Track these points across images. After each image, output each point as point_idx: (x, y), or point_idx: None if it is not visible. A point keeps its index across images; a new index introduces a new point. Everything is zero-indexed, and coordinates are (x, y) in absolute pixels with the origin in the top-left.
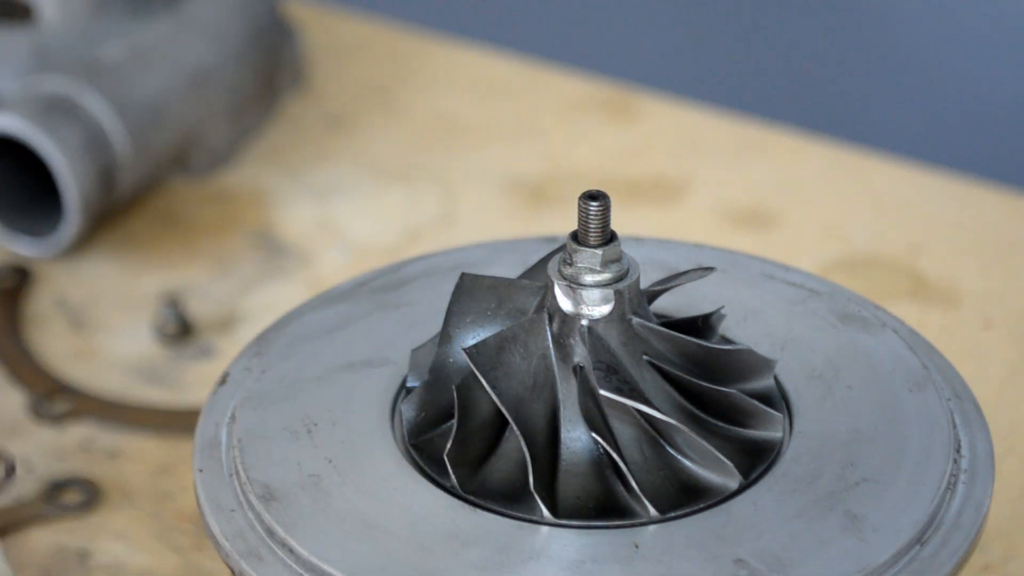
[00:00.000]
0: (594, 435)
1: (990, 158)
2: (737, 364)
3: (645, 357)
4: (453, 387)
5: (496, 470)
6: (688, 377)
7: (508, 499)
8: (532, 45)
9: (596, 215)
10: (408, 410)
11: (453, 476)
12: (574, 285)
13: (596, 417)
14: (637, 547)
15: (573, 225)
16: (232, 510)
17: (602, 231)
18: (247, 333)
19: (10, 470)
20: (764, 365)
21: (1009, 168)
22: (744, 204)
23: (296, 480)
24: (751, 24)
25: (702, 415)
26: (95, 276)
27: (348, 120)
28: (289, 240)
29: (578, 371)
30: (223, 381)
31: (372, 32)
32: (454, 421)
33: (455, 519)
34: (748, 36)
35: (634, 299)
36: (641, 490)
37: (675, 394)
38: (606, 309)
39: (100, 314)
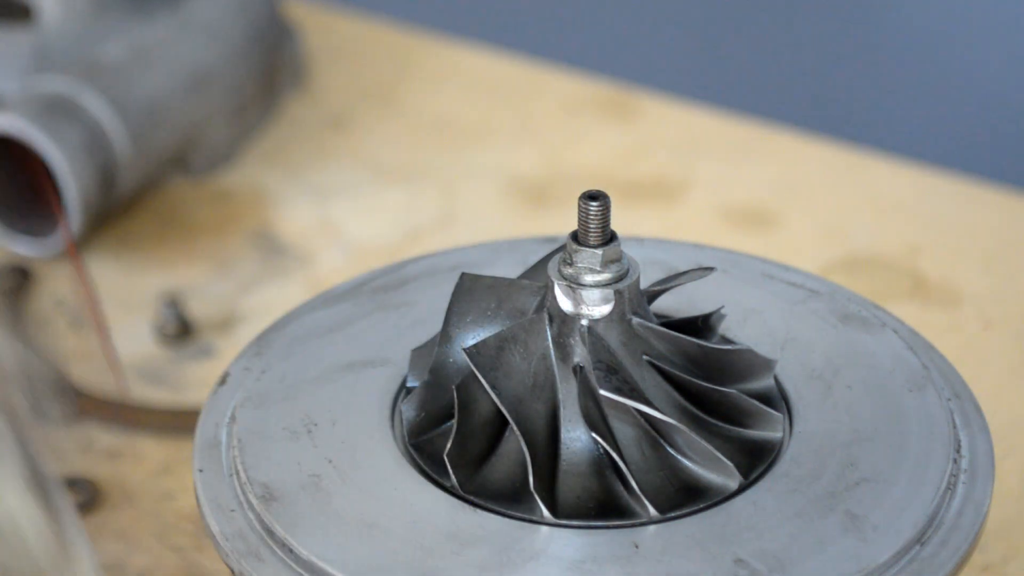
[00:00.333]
0: (594, 435)
1: (990, 158)
2: (737, 364)
3: (645, 357)
4: (453, 387)
5: (496, 470)
6: (688, 377)
7: (508, 499)
8: (532, 45)
9: (596, 215)
10: (408, 410)
11: (453, 476)
12: (574, 285)
13: (596, 417)
14: (637, 547)
15: (573, 225)
16: (232, 510)
17: (602, 231)
18: (247, 333)
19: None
20: (764, 365)
21: (1009, 168)
22: (744, 204)
23: (296, 480)
24: (751, 24)
25: (702, 415)
26: (95, 276)
27: (348, 120)
28: (289, 240)
29: (578, 371)
30: (223, 381)
31: (372, 32)
32: (454, 421)
33: (455, 519)
34: (748, 36)
35: (634, 299)
36: (641, 490)
37: (675, 394)
38: (606, 309)
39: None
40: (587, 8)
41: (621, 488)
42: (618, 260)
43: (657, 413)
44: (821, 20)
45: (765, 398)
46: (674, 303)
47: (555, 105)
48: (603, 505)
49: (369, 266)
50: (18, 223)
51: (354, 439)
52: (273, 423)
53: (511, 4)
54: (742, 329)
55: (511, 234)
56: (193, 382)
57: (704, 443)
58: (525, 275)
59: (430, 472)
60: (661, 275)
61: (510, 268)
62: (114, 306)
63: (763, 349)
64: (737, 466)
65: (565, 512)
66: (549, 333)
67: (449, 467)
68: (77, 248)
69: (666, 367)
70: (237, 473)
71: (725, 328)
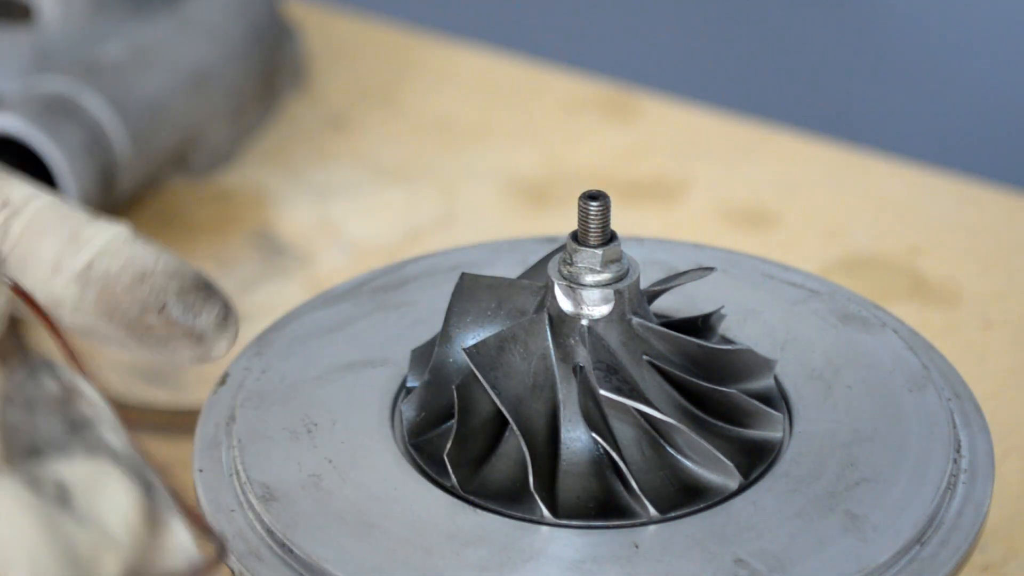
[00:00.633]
0: (594, 435)
1: (990, 158)
2: (737, 364)
3: (645, 357)
4: (453, 387)
5: (496, 470)
6: (688, 377)
7: (508, 499)
8: (532, 45)
9: (596, 215)
10: (408, 410)
11: (453, 476)
12: (574, 285)
13: (596, 417)
14: (637, 547)
15: (573, 225)
16: (232, 510)
17: (602, 231)
18: (247, 333)
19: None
20: (764, 365)
21: (1009, 168)
22: (744, 204)
23: (296, 480)
24: (751, 24)
25: (702, 415)
26: None
27: (348, 120)
28: (289, 240)
29: (578, 371)
30: (223, 381)
31: (372, 32)
32: (454, 421)
33: (455, 519)
34: (748, 36)
35: (634, 299)
36: (641, 490)
37: (675, 394)
38: (606, 309)
39: None
40: (587, 8)
41: (621, 488)
42: (618, 260)
43: (657, 413)
44: (821, 20)
45: (765, 398)
46: (674, 303)
47: (555, 105)
48: (603, 505)
49: (369, 266)
50: None
51: (354, 439)
52: (273, 423)
53: (511, 4)
54: (742, 329)
55: (511, 234)
56: (193, 382)
57: (704, 443)
58: (525, 275)
59: (430, 472)
60: (661, 275)
61: (510, 268)
62: None
63: (763, 349)
64: (737, 466)
65: (565, 512)
66: (549, 333)
67: (449, 467)
68: None
69: (666, 367)
70: (237, 473)
71: (725, 328)
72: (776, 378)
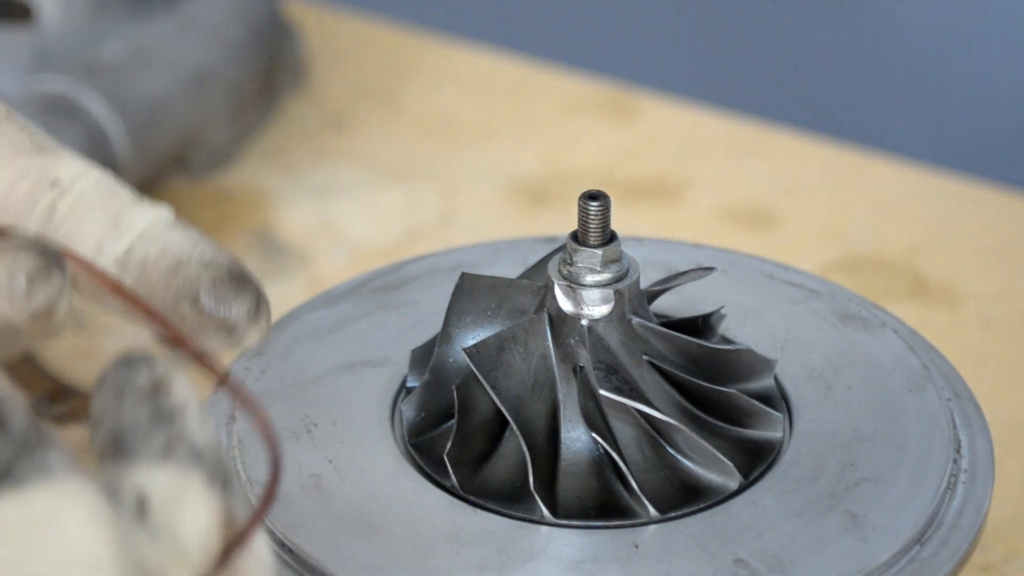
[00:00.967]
0: (594, 435)
1: (990, 158)
2: (737, 364)
3: (645, 357)
4: (453, 387)
5: (496, 470)
6: (688, 377)
7: (508, 499)
8: (532, 45)
9: (596, 215)
10: (408, 410)
11: (453, 476)
12: (574, 285)
13: (596, 417)
14: (637, 547)
15: (573, 225)
16: None
17: (602, 231)
18: None
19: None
20: (764, 365)
21: (1009, 168)
22: (744, 204)
23: (296, 480)
24: (751, 24)
25: (702, 415)
26: None
27: (348, 120)
28: (289, 240)
29: (578, 371)
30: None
31: (372, 32)
32: (454, 421)
33: (455, 519)
34: (748, 36)
35: (634, 299)
36: (641, 490)
37: (675, 394)
38: (606, 309)
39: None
40: (587, 8)
41: (621, 488)
42: (618, 260)
43: (657, 413)
44: (821, 20)
45: (765, 398)
46: (674, 303)
47: (555, 105)
48: (603, 505)
49: (369, 266)
50: None
51: (354, 439)
52: (273, 423)
53: (511, 4)
54: (742, 329)
55: (511, 234)
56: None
57: (704, 443)
58: (525, 275)
59: (430, 472)
60: (661, 275)
61: (510, 268)
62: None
63: (763, 349)
64: (737, 466)
65: (565, 512)
66: (549, 333)
67: (449, 467)
68: None
69: (666, 367)
70: (237, 473)
71: (725, 328)
72: (776, 378)
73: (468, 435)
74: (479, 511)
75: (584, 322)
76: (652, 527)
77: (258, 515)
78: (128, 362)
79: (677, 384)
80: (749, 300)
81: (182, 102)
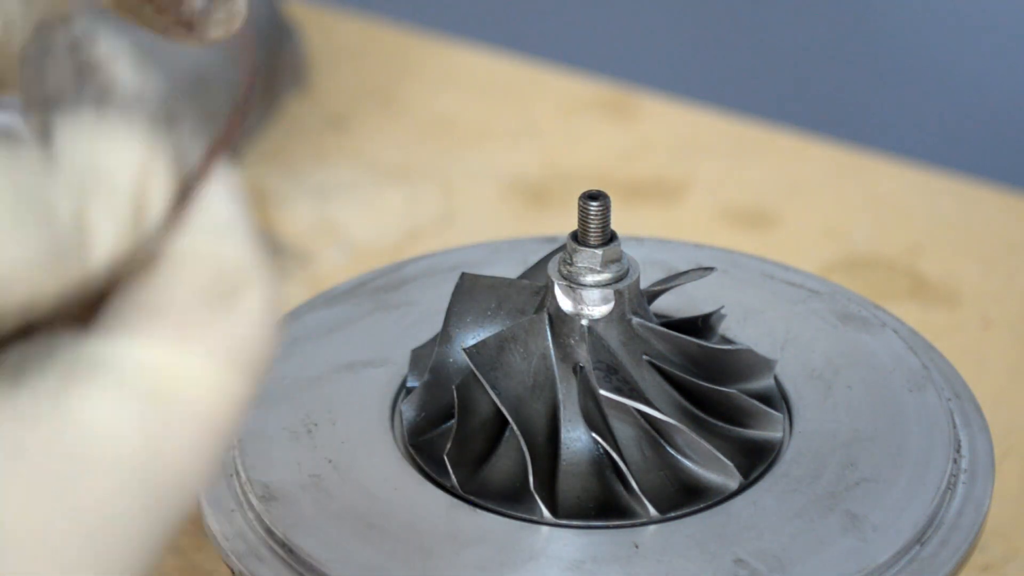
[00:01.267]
0: (594, 435)
1: (990, 158)
2: (737, 364)
3: (645, 357)
4: (453, 387)
5: (496, 470)
6: (688, 377)
7: (508, 499)
8: (532, 45)
9: (596, 215)
10: (408, 410)
11: (453, 476)
12: (574, 285)
13: (596, 417)
14: (637, 547)
15: (573, 225)
16: (232, 510)
17: (602, 231)
18: None
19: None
20: (764, 365)
21: (1009, 168)
22: (744, 204)
23: (296, 480)
24: (751, 24)
25: (702, 415)
26: None
27: (348, 120)
28: (289, 240)
29: (578, 371)
30: None
31: (372, 32)
32: (454, 421)
33: (455, 519)
34: (748, 36)
35: (634, 299)
36: (641, 490)
37: (675, 394)
38: (606, 309)
39: None
40: (587, 8)
41: (621, 488)
42: (618, 260)
43: (657, 413)
44: (821, 20)
45: (765, 398)
46: (674, 303)
47: (555, 105)
48: (603, 505)
49: (369, 266)
50: None
51: (354, 439)
52: (273, 423)
53: (511, 4)
54: (742, 329)
55: (511, 234)
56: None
57: (704, 443)
58: (525, 275)
59: (430, 472)
60: (661, 275)
61: (510, 268)
62: None
63: (763, 349)
64: (737, 466)
65: (565, 512)
66: (549, 333)
67: (449, 467)
68: None
69: (666, 367)
70: (237, 473)
71: (725, 328)
72: (776, 378)
73: (468, 435)
74: (479, 511)
75: (584, 322)
76: (652, 527)
77: (224, 138)
78: (43, 28)
79: (677, 384)
80: (749, 300)
81: (182, 102)
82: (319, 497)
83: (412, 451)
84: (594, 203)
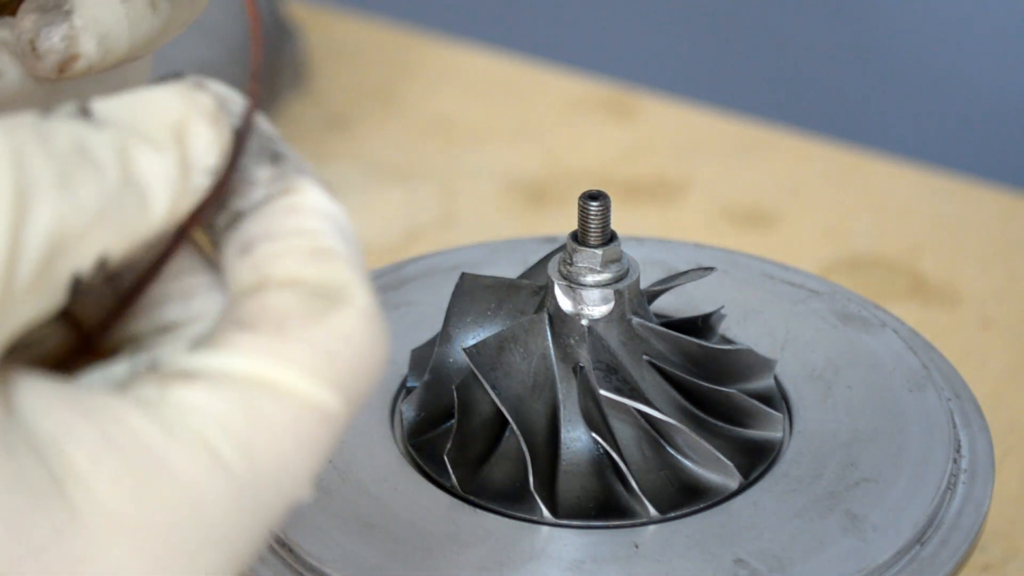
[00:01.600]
0: (594, 435)
1: (990, 158)
2: (737, 364)
3: (645, 357)
4: (453, 387)
5: (496, 470)
6: (688, 377)
7: (508, 499)
8: (532, 45)
9: (596, 215)
10: (408, 410)
11: (453, 476)
12: (574, 285)
13: (596, 417)
14: (637, 547)
15: (573, 225)
16: None
17: (602, 231)
18: None
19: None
20: (764, 365)
21: (1009, 168)
22: (744, 204)
23: None
24: (751, 24)
25: (702, 415)
26: None
27: (348, 120)
28: None
29: (578, 371)
30: None
31: (372, 32)
32: (454, 421)
33: (455, 519)
34: (748, 36)
35: (634, 299)
36: (641, 490)
37: (675, 394)
38: (606, 309)
39: None
40: (587, 8)
41: (621, 488)
42: (618, 260)
43: (657, 413)
44: (821, 20)
45: (765, 398)
46: (674, 303)
47: (555, 105)
48: (603, 505)
49: (369, 266)
50: None
51: (354, 439)
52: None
53: (511, 4)
54: (742, 329)
55: (511, 234)
56: None
57: (704, 443)
58: (525, 275)
59: (430, 472)
60: (661, 275)
61: (510, 268)
62: None
63: (763, 349)
64: (737, 466)
65: (565, 512)
66: (549, 333)
67: (449, 467)
68: None
69: (666, 367)
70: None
71: (725, 328)
72: (776, 378)
73: (468, 435)
74: (479, 511)
75: (584, 322)
76: (652, 527)
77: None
78: None
79: (677, 384)
80: (749, 300)
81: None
82: (319, 497)
83: (412, 451)
84: (594, 203)
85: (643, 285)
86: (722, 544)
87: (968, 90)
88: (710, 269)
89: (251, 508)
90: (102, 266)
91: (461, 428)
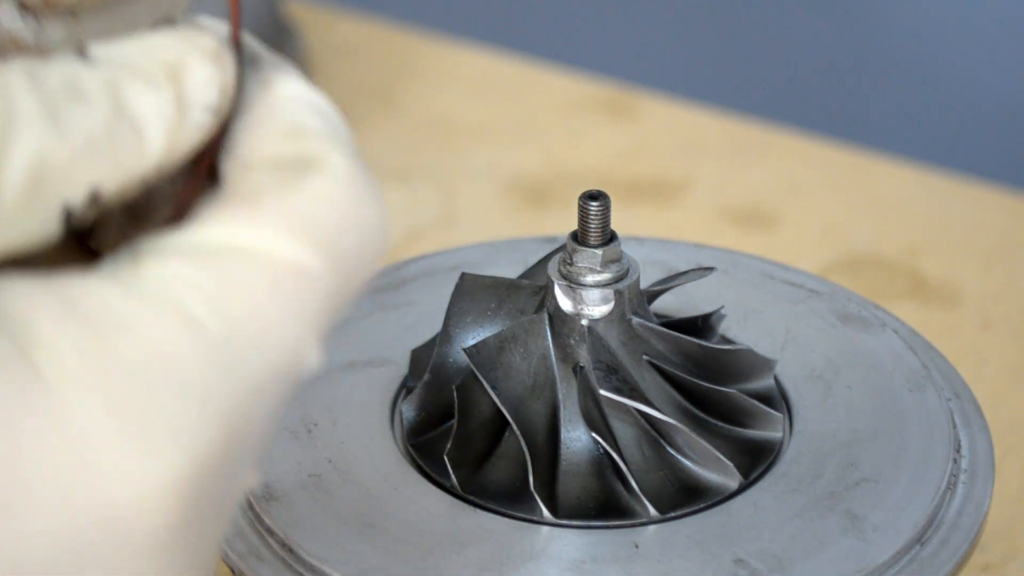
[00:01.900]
0: (594, 435)
1: (990, 158)
2: (737, 364)
3: (645, 357)
4: (453, 387)
5: (496, 470)
6: (688, 377)
7: (508, 499)
8: (532, 45)
9: (596, 215)
10: (408, 410)
11: (453, 476)
12: (574, 285)
13: (596, 417)
14: (637, 547)
15: (573, 225)
16: None
17: (602, 231)
18: None
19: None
20: (764, 365)
21: (1009, 168)
22: (744, 204)
23: (296, 480)
24: (751, 24)
25: (702, 415)
26: None
27: (348, 120)
28: None
29: (578, 371)
30: None
31: (372, 32)
32: (454, 421)
33: (455, 519)
34: (748, 36)
35: (634, 299)
36: (641, 490)
37: (675, 394)
38: (606, 309)
39: None
40: (587, 8)
41: (621, 488)
42: (618, 260)
43: (657, 413)
44: (821, 20)
45: (765, 398)
46: (674, 303)
47: (555, 105)
48: (603, 505)
49: None
50: None
51: (354, 439)
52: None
53: (511, 4)
54: (742, 329)
55: (511, 234)
56: None
57: (704, 443)
58: (525, 275)
59: (430, 472)
60: (661, 275)
61: (510, 268)
62: None
63: (763, 349)
64: (737, 466)
65: (565, 512)
66: (549, 333)
67: (449, 467)
68: None
69: (666, 367)
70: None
71: (725, 328)
72: (776, 378)
73: (468, 435)
74: (479, 511)
75: (584, 322)
76: (652, 527)
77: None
78: None
79: (677, 384)
80: (749, 300)
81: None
82: (319, 497)
83: (412, 451)
84: (594, 203)
85: (643, 285)
86: (722, 544)
87: (968, 90)
88: (710, 269)
89: (228, 364)
90: (95, 200)
91: (461, 428)
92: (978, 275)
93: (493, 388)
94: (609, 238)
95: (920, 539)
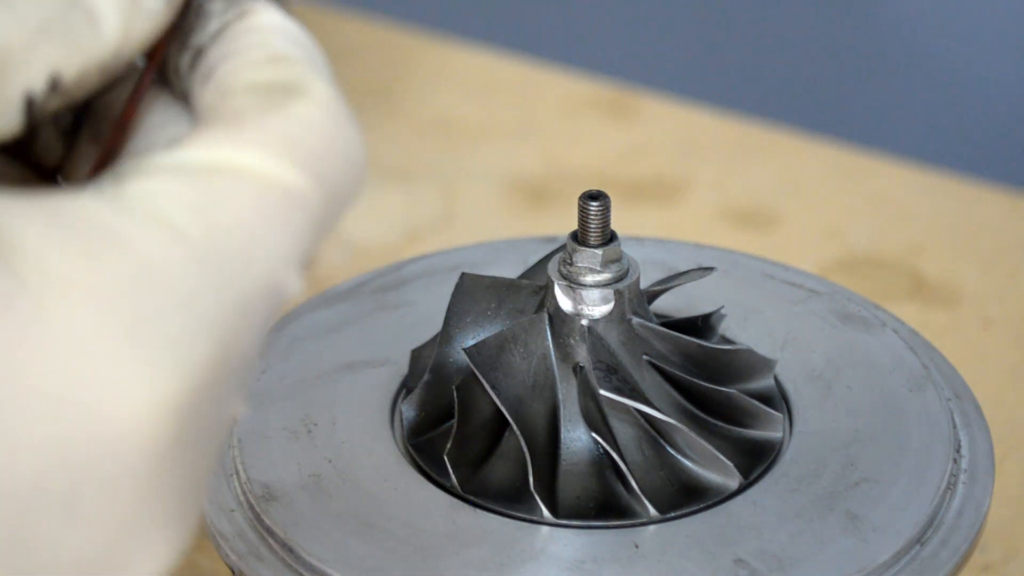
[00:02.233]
0: (594, 435)
1: (990, 158)
2: (737, 364)
3: (645, 357)
4: (453, 387)
5: (496, 470)
6: (688, 377)
7: (508, 499)
8: (532, 45)
9: (596, 215)
10: (408, 410)
11: (453, 476)
12: (574, 285)
13: (596, 417)
14: (637, 547)
15: (573, 225)
16: (232, 510)
17: (602, 231)
18: None
19: None
20: (764, 365)
21: (1009, 168)
22: (744, 204)
23: (296, 480)
24: (751, 24)
25: (702, 415)
26: None
27: None
28: None
29: (578, 371)
30: None
31: (372, 32)
32: (454, 421)
33: (455, 519)
34: (748, 36)
35: (634, 299)
36: (641, 490)
37: (675, 394)
38: (606, 309)
39: None
40: (587, 8)
41: (621, 488)
42: (618, 260)
43: (657, 413)
44: (821, 20)
45: (765, 398)
46: (674, 303)
47: (555, 105)
48: (603, 505)
49: (369, 266)
50: None
51: (354, 439)
52: (273, 423)
53: (511, 4)
54: (742, 329)
55: (511, 234)
56: None
57: (704, 443)
58: (525, 275)
59: (430, 472)
60: (661, 275)
61: (510, 268)
62: None
63: (763, 349)
64: (737, 466)
65: (565, 512)
66: (549, 333)
67: (449, 467)
68: None
69: (666, 367)
70: (237, 473)
71: (725, 328)
72: (776, 378)
73: (468, 435)
74: (479, 511)
75: (584, 322)
76: (652, 527)
77: None
78: None
79: (677, 384)
80: (749, 300)
81: None
82: (319, 497)
83: (412, 451)
84: (594, 203)
85: (643, 285)
86: (722, 544)
87: (969, 90)
88: (710, 269)
89: (215, 274)
90: (55, 86)
91: (461, 428)
92: (978, 275)
93: (493, 388)
94: (609, 238)
95: (920, 539)
